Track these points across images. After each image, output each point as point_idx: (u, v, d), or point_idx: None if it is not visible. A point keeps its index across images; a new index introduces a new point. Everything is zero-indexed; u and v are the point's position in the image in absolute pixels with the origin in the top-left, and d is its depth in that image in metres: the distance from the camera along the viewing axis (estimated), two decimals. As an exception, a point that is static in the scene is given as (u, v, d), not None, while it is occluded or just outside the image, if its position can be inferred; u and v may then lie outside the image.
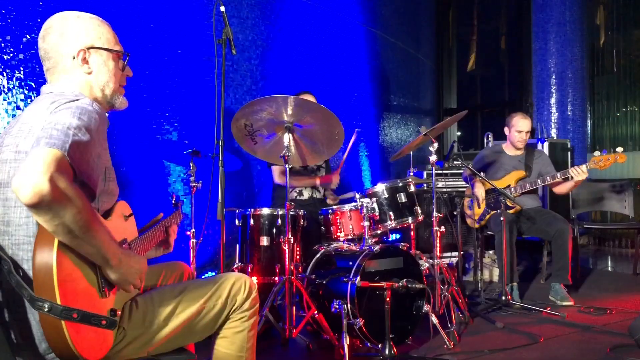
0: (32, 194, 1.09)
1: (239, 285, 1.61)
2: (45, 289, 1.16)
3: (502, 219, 3.46)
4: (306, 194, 3.78)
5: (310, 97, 3.57)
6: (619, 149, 3.59)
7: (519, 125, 3.97)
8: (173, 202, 1.99)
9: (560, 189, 3.89)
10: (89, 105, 1.32)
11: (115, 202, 1.49)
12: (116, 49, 1.54)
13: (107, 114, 1.44)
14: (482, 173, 3.92)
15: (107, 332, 1.29)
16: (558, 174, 3.72)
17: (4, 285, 1.27)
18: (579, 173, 3.58)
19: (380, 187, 3.11)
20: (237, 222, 3.08)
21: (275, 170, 3.72)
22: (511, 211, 3.75)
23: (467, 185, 4.19)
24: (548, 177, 3.77)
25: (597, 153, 3.64)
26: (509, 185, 3.91)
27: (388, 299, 2.41)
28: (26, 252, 1.28)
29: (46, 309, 1.14)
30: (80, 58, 1.47)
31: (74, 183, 1.18)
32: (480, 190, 3.86)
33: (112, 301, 1.34)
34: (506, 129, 4.10)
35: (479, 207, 3.96)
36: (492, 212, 3.91)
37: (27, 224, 1.29)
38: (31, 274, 1.18)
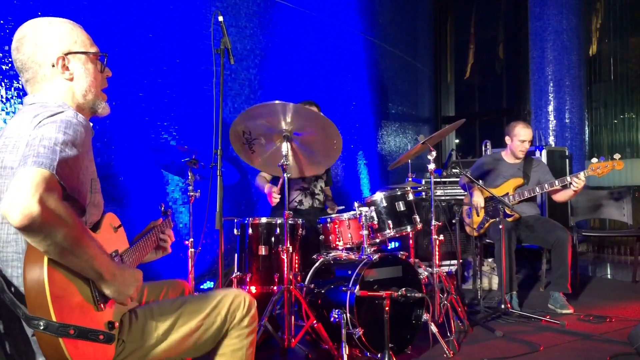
0: (22, 216, 1.08)
1: (238, 302, 1.60)
2: (39, 307, 1.14)
3: (501, 227, 3.46)
4: (306, 204, 3.78)
5: (313, 108, 3.58)
6: (617, 156, 3.59)
7: (522, 135, 3.96)
8: (162, 210, 1.99)
9: (560, 197, 3.89)
10: (73, 118, 1.31)
11: (103, 215, 1.48)
12: (93, 50, 1.52)
13: (91, 124, 1.42)
14: (480, 181, 3.92)
15: (107, 345, 1.28)
16: (556, 182, 3.72)
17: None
18: (576, 181, 3.59)
19: (379, 196, 3.11)
20: (235, 231, 3.07)
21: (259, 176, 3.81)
22: (510, 219, 3.75)
23: (466, 193, 4.19)
24: (546, 185, 3.77)
25: (594, 160, 3.64)
26: (507, 193, 3.90)
27: (387, 308, 2.40)
28: (16, 269, 1.26)
29: (42, 327, 1.13)
30: (60, 65, 1.44)
31: (64, 201, 1.17)
32: (479, 199, 3.86)
33: (109, 313, 1.33)
34: (507, 138, 4.08)
35: (478, 215, 3.95)
36: (491, 220, 3.91)
37: (16, 240, 1.27)
38: (23, 290, 1.16)
